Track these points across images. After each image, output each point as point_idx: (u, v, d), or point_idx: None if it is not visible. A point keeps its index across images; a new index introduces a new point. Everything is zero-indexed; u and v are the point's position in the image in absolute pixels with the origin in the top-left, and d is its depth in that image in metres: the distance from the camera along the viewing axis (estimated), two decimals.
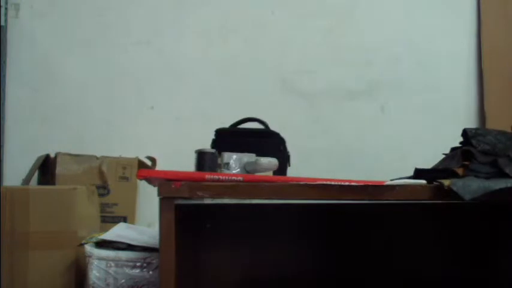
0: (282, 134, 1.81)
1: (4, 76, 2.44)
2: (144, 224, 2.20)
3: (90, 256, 1.62)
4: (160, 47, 2.57)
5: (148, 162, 2.40)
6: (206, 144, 1.65)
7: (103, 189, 2.25)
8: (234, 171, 1.34)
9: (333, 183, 1.21)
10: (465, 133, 1.41)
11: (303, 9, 2.68)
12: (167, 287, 1.16)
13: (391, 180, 1.37)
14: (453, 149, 1.44)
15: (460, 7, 2.79)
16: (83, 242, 1.72)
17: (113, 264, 1.59)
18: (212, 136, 1.79)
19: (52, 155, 2.31)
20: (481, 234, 1.72)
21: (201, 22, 2.61)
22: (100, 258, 1.60)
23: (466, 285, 1.69)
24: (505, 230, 1.70)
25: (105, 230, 1.79)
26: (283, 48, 2.64)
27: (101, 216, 2.16)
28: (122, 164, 2.31)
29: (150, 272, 1.57)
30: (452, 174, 1.30)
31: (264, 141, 1.74)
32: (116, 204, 2.27)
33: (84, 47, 2.53)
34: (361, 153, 2.61)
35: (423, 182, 1.29)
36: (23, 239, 1.84)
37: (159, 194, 1.16)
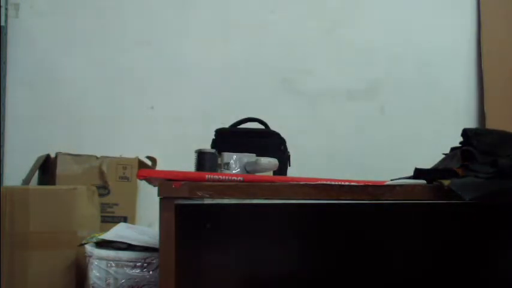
0: (282, 134, 1.81)
1: (4, 76, 2.44)
2: (145, 224, 2.20)
3: (90, 256, 1.62)
4: (161, 47, 2.58)
5: (149, 162, 2.40)
6: (206, 144, 1.65)
7: (103, 189, 2.25)
8: (234, 171, 1.34)
9: (333, 183, 1.21)
10: (465, 133, 1.40)
11: (303, 9, 2.68)
12: (167, 287, 1.16)
13: (391, 180, 1.37)
14: (453, 149, 1.44)
15: (460, 7, 2.79)
16: (83, 242, 1.72)
17: (113, 264, 1.59)
18: (212, 136, 1.79)
19: (52, 155, 2.31)
20: (481, 234, 1.72)
21: (201, 22, 2.61)
22: (100, 258, 1.60)
23: (466, 285, 1.69)
24: (505, 230, 1.70)
25: (105, 230, 1.79)
26: (283, 48, 2.64)
27: (101, 216, 2.16)
28: (122, 164, 2.31)
29: (151, 272, 1.57)
30: (452, 174, 1.29)
31: (264, 141, 1.75)
32: (116, 204, 2.27)
33: (84, 47, 2.53)
34: (361, 153, 2.61)
35: (423, 182, 1.29)
36: (23, 239, 1.85)
37: (159, 194, 1.16)
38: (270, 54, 2.63)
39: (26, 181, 2.24)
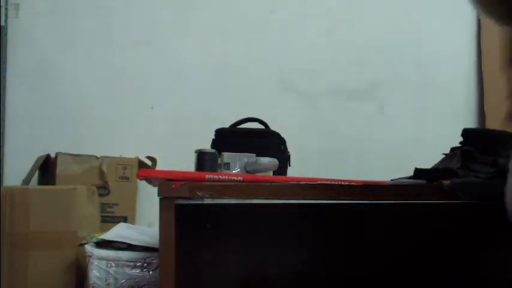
0: (282, 134, 1.81)
1: (4, 76, 2.44)
2: (145, 224, 2.20)
3: (90, 256, 1.62)
4: (160, 47, 2.58)
5: (149, 162, 2.40)
6: (206, 144, 1.65)
7: (103, 189, 2.25)
8: (234, 171, 1.34)
9: (333, 183, 1.21)
10: (465, 133, 1.41)
11: (303, 9, 2.68)
12: (167, 287, 1.16)
13: (391, 180, 1.37)
14: (453, 149, 1.44)
15: (460, 7, 2.79)
16: (83, 242, 1.72)
17: (113, 264, 1.59)
18: (212, 136, 1.79)
19: (52, 155, 2.31)
20: (481, 234, 1.72)
21: (201, 22, 2.61)
22: (100, 258, 1.60)
23: (466, 285, 1.69)
24: (505, 230, 1.69)
25: (105, 230, 1.79)
26: (283, 48, 2.64)
27: (101, 216, 2.16)
28: (122, 164, 2.31)
29: (151, 272, 1.58)
30: (452, 174, 1.29)
31: (264, 141, 1.74)
32: (116, 204, 2.27)
33: (84, 47, 2.53)
34: (360, 153, 2.61)
35: (423, 182, 1.29)
36: (23, 239, 1.85)
37: (159, 194, 1.16)
38: (270, 54, 2.63)
39: (26, 181, 2.24)
